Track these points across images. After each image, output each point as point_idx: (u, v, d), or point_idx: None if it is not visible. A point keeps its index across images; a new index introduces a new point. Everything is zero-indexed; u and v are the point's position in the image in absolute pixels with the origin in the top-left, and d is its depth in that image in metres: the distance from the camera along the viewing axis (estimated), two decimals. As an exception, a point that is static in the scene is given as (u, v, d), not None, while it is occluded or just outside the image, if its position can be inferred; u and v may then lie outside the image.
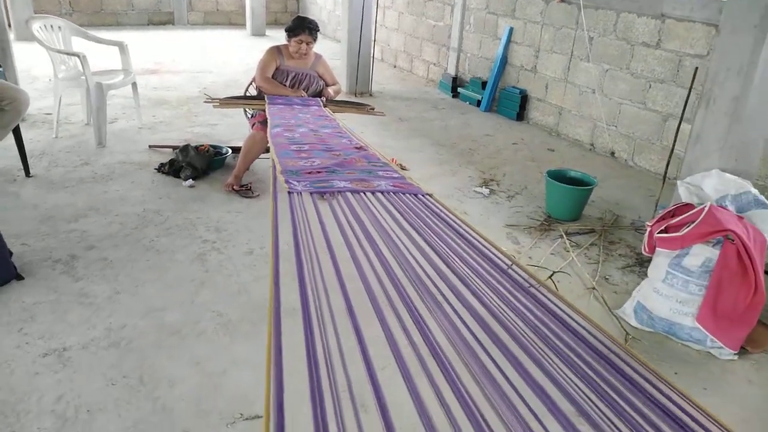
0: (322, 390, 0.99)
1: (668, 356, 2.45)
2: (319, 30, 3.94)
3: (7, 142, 3.71)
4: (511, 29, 5.82)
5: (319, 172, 1.83)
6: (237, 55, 8.12)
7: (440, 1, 6.97)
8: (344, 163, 1.96)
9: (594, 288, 2.89)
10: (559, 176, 3.69)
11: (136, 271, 2.76)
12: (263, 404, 0.94)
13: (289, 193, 1.60)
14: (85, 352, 2.21)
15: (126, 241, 3.03)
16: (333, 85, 4.06)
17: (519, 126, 5.71)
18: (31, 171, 3.76)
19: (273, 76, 3.88)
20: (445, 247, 1.42)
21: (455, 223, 1.51)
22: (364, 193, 1.62)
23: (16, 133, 3.65)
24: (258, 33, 9.86)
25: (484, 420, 0.99)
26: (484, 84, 6.21)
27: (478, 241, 1.45)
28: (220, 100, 3.81)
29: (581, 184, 3.65)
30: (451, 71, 6.78)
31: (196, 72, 6.97)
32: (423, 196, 1.66)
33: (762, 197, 2.51)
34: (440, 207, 1.62)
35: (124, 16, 9.87)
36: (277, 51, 3.93)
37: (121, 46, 4.74)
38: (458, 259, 1.38)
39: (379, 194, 1.61)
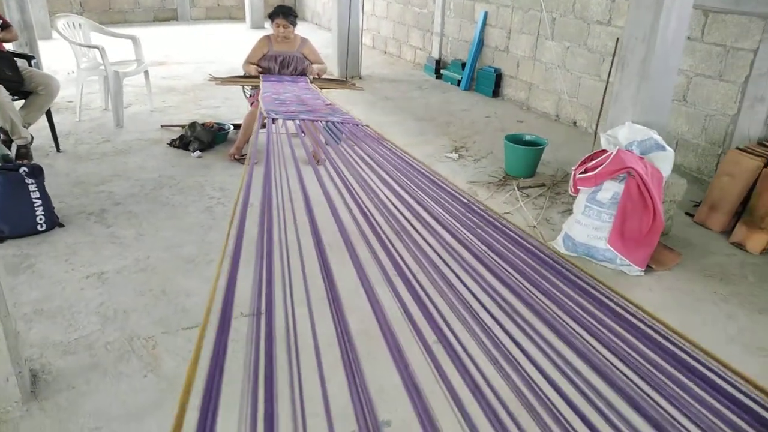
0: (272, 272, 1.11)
1: (587, 273, 3.03)
2: (294, 15, 4.48)
3: (39, 124, 4.32)
4: (486, 13, 6.38)
5: (291, 111, 2.46)
6: (237, 47, 8.69)
7: (424, -10, 7.52)
8: (312, 110, 2.57)
9: (535, 226, 3.48)
10: (515, 140, 4.27)
11: (156, 220, 3.37)
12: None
13: (268, 117, 2.19)
14: (118, 275, 2.82)
15: (146, 198, 3.65)
16: (319, 64, 4.63)
17: (494, 102, 6.27)
18: (60, 147, 4.38)
19: (264, 61, 4.46)
20: (384, 161, 1.99)
21: (388, 145, 2.08)
22: (320, 122, 2.23)
23: (48, 115, 4.26)
24: (257, 26, 10.43)
25: (436, 309, 1.08)
26: (464, 65, 6.77)
27: (411, 162, 2.02)
28: (221, 79, 4.40)
29: (534, 146, 4.22)
30: (435, 54, 7.34)
31: (201, 62, 7.57)
32: (361, 125, 2.27)
33: (662, 142, 3.08)
34: (373, 132, 2.21)
35: (131, 14, 10.48)
36: (266, 39, 4.52)
37: (134, 39, 5.33)
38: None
39: (330, 123, 2.22)
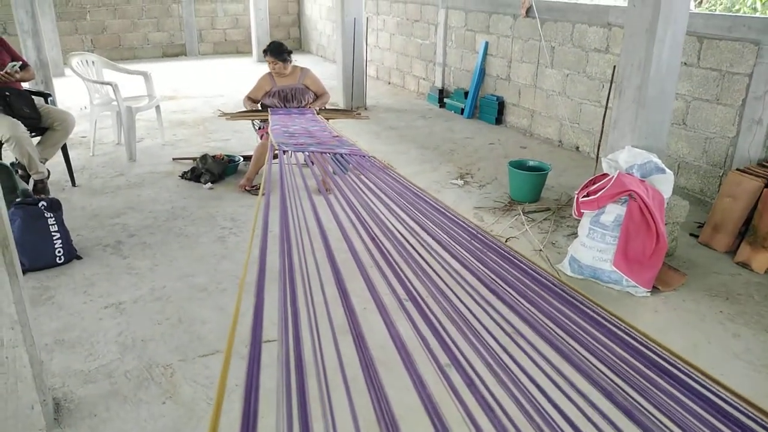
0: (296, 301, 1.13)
1: (594, 296, 3.07)
2: (286, 51, 4.55)
3: (55, 160, 4.44)
4: (487, 43, 6.53)
5: (301, 144, 2.56)
6: (245, 80, 8.90)
7: (425, 22, 7.71)
8: (320, 142, 2.67)
9: (541, 250, 3.54)
10: (519, 165, 4.36)
11: (170, 250, 3.46)
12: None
13: (279, 150, 2.29)
14: (135, 305, 2.90)
15: (160, 229, 3.74)
16: (322, 94, 4.73)
17: (497, 129, 6.39)
18: (76, 182, 4.49)
19: (269, 97, 4.57)
20: (390, 190, 2.07)
21: (394, 174, 2.17)
22: (328, 154, 2.33)
23: (64, 150, 4.39)
24: (264, 60, 10.64)
25: (456, 346, 1.10)
26: (466, 94, 6.91)
27: (416, 191, 2.10)
28: (230, 114, 4.53)
29: (538, 171, 4.31)
30: (438, 84, 7.49)
31: (209, 96, 7.75)
32: (367, 157, 2.36)
33: (662, 165, 3.16)
34: (379, 162, 2.30)
35: (140, 50, 10.75)
36: (269, 76, 4.64)
37: (146, 75, 5.50)
38: (408, 203, 2.01)
39: (338, 155, 2.31)
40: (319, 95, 4.74)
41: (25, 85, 4.50)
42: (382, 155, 5.32)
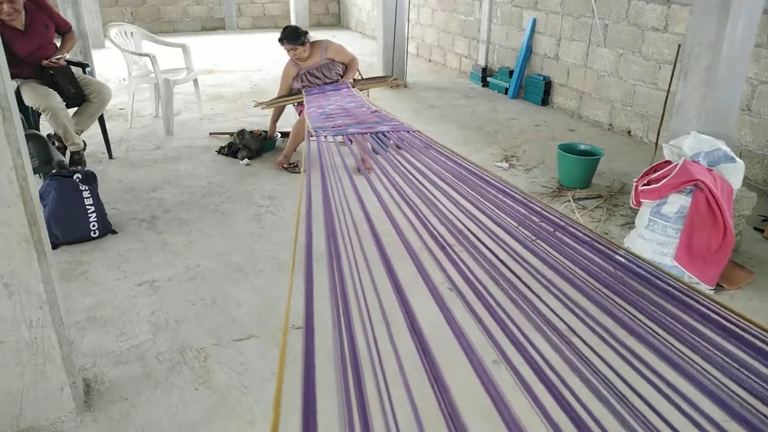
0: (348, 305, 0.99)
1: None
2: (300, 33, 4.35)
3: (92, 131, 4.38)
4: (534, 20, 6.25)
5: (339, 126, 2.39)
6: (283, 55, 8.76)
7: (470, -3, 7.43)
8: (359, 121, 2.51)
9: (592, 239, 3.33)
10: (569, 149, 4.13)
11: (206, 227, 3.36)
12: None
13: (316, 134, 2.13)
14: (169, 283, 2.81)
15: (196, 205, 3.65)
16: (350, 61, 4.51)
17: (543, 110, 6.13)
18: (113, 154, 4.43)
19: (298, 81, 4.40)
20: (445, 171, 1.90)
21: (444, 150, 2.00)
22: (368, 134, 2.16)
23: (101, 122, 4.32)
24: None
25: (525, 337, 0.98)
26: (511, 73, 6.65)
27: (468, 167, 1.93)
28: (266, 102, 4.40)
29: (589, 155, 4.07)
30: (481, 62, 7.23)
31: (248, 71, 7.64)
32: (412, 132, 2.19)
33: (731, 153, 2.91)
34: (428, 139, 2.13)
35: (179, 23, 10.69)
36: (292, 62, 4.46)
37: (184, 48, 5.40)
38: (461, 183, 1.84)
39: (380, 134, 2.15)
40: (347, 64, 4.54)
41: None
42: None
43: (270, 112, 4.68)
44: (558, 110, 6.12)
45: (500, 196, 1.76)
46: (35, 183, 1.76)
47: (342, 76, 4.43)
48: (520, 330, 1.00)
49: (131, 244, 3.14)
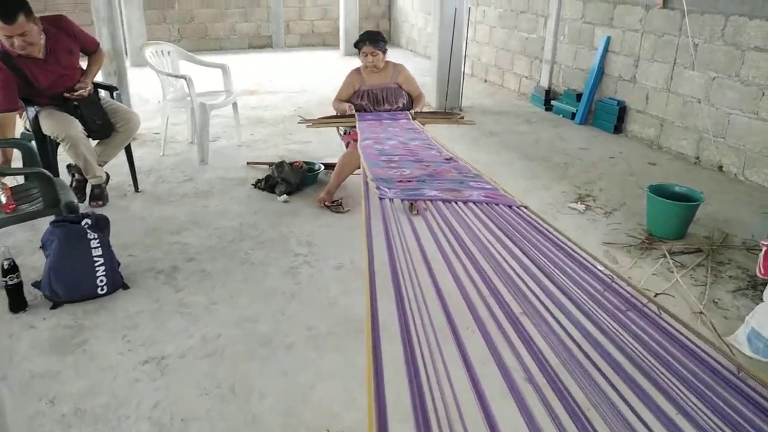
0: (426, 411, 0.94)
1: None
2: (383, 39, 3.88)
3: (120, 159, 3.98)
4: (609, 39, 5.61)
5: (409, 181, 1.83)
6: (330, 75, 8.34)
7: (533, 13, 6.84)
8: (434, 174, 1.94)
9: (702, 312, 2.69)
10: (661, 191, 3.48)
11: (232, 283, 2.87)
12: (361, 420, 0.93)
13: (380, 198, 1.59)
14: (182, 360, 2.31)
15: (223, 253, 3.17)
16: (417, 95, 4.04)
17: (616, 139, 5.46)
18: (139, 186, 4.02)
19: (356, 98, 3.91)
20: (545, 260, 1.36)
21: (553, 235, 1.45)
22: (456, 203, 1.59)
23: (128, 151, 3.91)
24: (351, 53, 10.05)
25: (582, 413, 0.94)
26: (579, 96, 6.01)
27: (578, 254, 1.38)
28: (312, 120, 3.90)
29: (686, 200, 3.42)
30: (544, 84, 6.62)
31: (292, 92, 7.23)
32: (518, 207, 1.61)
33: None
34: (536, 219, 1.56)
35: (226, 41, 10.44)
36: (356, 73, 3.97)
37: (224, 68, 4.99)
38: (560, 273, 1.32)
39: (471, 204, 1.58)
40: (414, 97, 4.04)
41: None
42: (482, 166, 4.55)
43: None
44: (633, 139, 5.45)
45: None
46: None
47: (405, 110, 3.91)
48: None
49: (143, 305, 2.67)
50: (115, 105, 3.80)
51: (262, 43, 10.69)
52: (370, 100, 3.89)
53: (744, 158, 4.38)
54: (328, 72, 8.60)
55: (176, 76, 4.70)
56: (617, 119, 5.57)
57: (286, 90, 7.33)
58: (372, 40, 3.84)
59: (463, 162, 2.19)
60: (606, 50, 5.66)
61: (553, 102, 6.44)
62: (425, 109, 4.16)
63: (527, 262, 1.37)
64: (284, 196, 3.89)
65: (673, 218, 3.38)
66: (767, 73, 4.14)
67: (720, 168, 4.60)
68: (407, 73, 4.04)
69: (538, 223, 1.51)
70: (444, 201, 1.61)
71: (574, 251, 1.47)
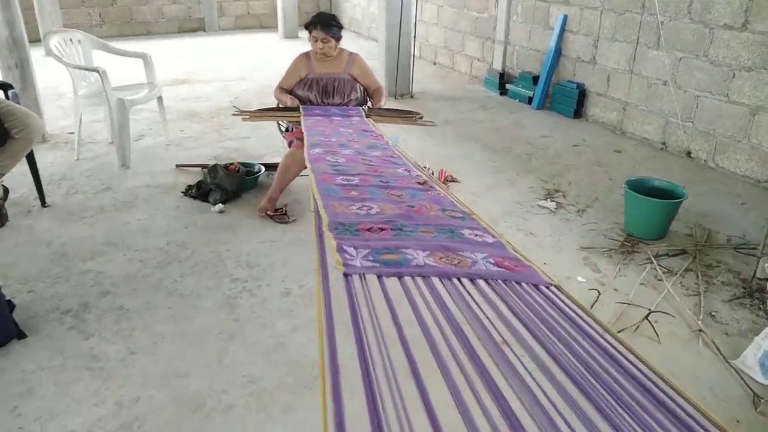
0: None
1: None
2: (337, 25, 3.42)
3: (21, 168, 3.38)
4: (566, 17, 5.27)
5: (382, 229, 1.34)
6: (269, 60, 7.76)
7: (483, -9, 6.45)
8: (412, 214, 1.49)
9: (701, 330, 2.37)
10: (640, 187, 3.17)
11: (156, 323, 2.38)
12: None
13: (345, 275, 1.10)
14: (89, 438, 1.82)
15: (146, 283, 2.66)
16: (375, 89, 3.59)
17: (577, 124, 5.16)
18: (47, 200, 3.44)
19: (302, 87, 3.44)
20: (582, 369, 0.94)
21: (593, 328, 1.01)
22: (459, 280, 1.12)
23: (30, 160, 3.32)
24: (290, 35, 9.49)
25: None
26: (535, 79, 5.68)
27: (624, 356, 0.98)
28: (250, 112, 3.39)
29: (666, 196, 3.11)
30: (498, 66, 6.25)
31: (228, 80, 6.63)
32: (547, 287, 1.14)
33: None
34: (571, 305, 1.11)
35: (154, 25, 9.65)
36: (305, 58, 3.49)
37: (145, 58, 4.40)
38: (603, 389, 0.90)
39: (480, 282, 1.11)
40: (371, 91, 3.58)
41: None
42: (440, 160, 4.17)
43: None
44: (595, 124, 5.16)
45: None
46: None
47: (358, 105, 3.45)
48: None
49: (43, 361, 2.15)
50: (11, 107, 3.16)
51: (193, 27, 9.94)
52: (318, 90, 3.42)
53: (714, 143, 4.13)
54: (267, 56, 8.02)
55: (87, 69, 4.08)
56: (577, 103, 5.27)
57: (221, 78, 6.72)
58: (325, 25, 3.35)
59: (439, 187, 1.76)
60: (563, 29, 5.33)
61: (508, 86, 6.10)
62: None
63: (557, 372, 0.94)
64: (219, 206, 3.39)
65: (655, 217, 3.07)
66: (737, 53, 3.88)
67: (688, 154, 4.35)
68: (363, 64, 3.57)
69: (574, 310, 1.07)
70: (441, 276, 1.15)
71: (621, 354, 1.02)
